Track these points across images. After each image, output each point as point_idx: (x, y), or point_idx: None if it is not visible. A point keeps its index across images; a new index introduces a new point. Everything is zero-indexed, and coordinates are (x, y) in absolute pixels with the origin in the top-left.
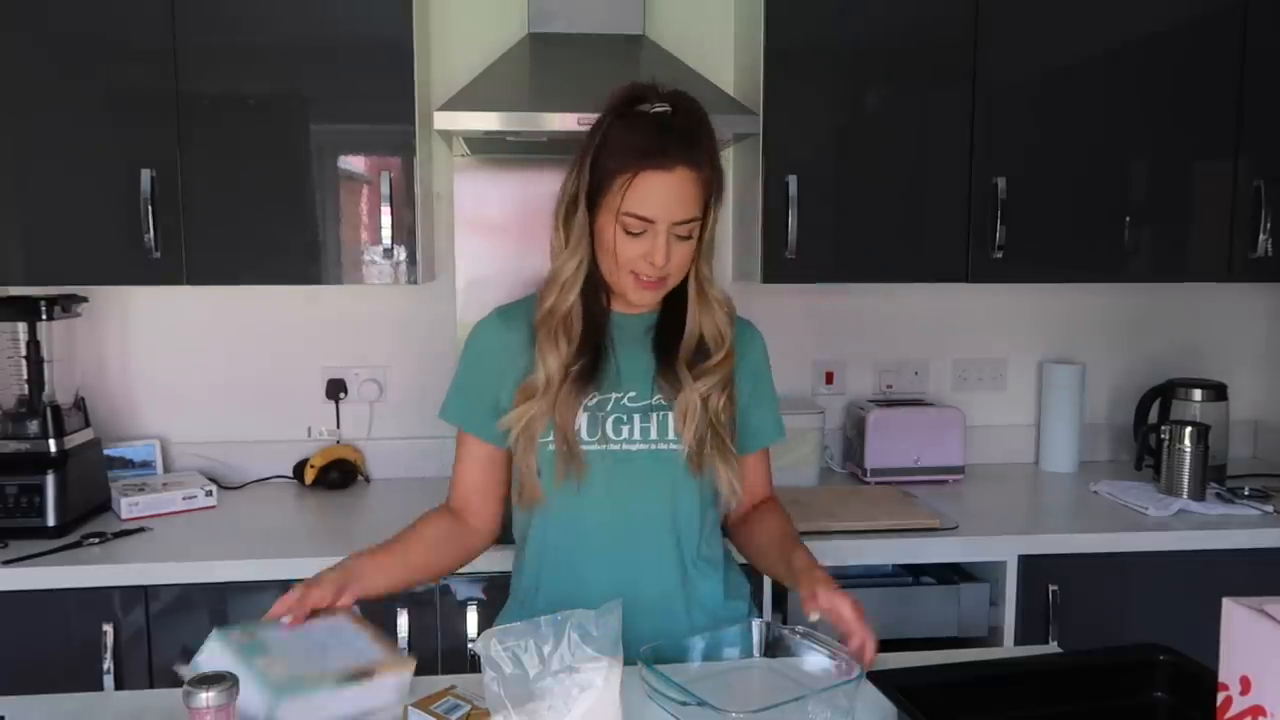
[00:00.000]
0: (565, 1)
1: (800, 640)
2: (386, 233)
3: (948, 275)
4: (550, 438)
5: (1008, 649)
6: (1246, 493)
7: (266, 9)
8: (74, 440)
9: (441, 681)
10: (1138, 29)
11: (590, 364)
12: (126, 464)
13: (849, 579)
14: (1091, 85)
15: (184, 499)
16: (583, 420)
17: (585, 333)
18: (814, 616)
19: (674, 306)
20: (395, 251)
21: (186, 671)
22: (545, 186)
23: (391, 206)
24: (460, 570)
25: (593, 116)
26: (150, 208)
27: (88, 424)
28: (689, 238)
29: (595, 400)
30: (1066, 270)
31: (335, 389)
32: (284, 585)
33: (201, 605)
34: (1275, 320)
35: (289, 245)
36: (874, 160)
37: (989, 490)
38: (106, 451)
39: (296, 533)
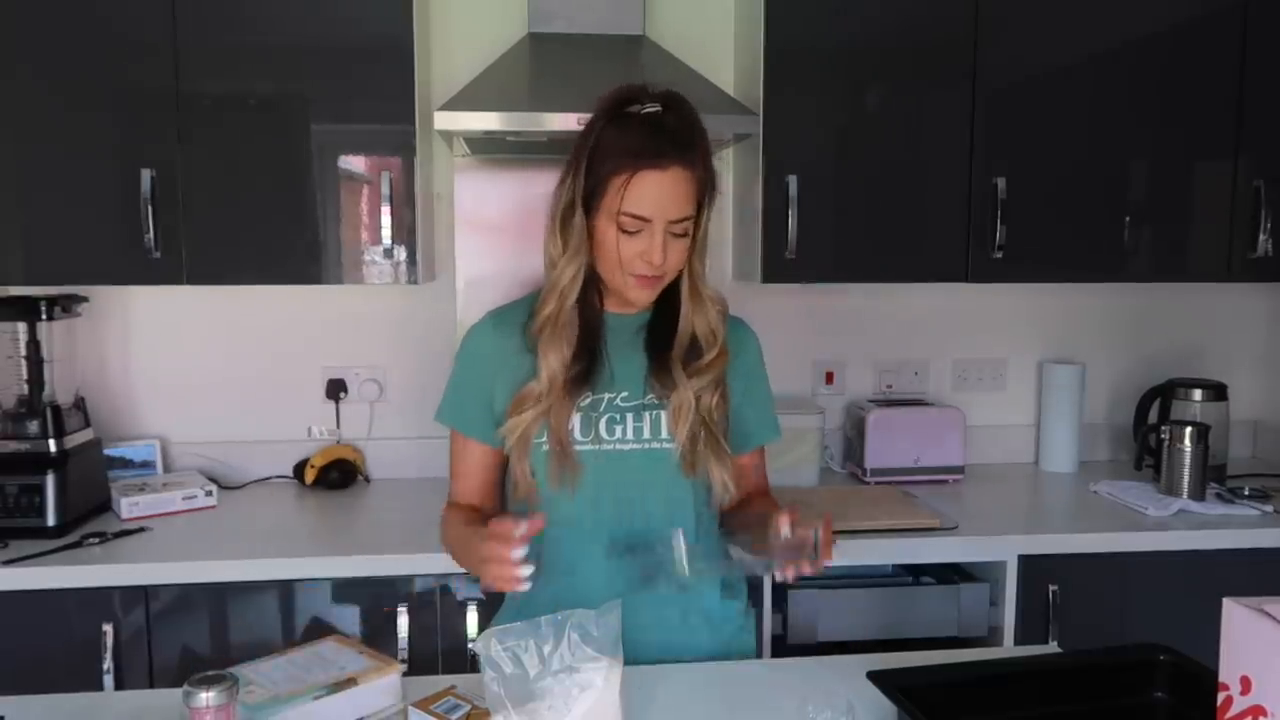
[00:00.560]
0: (565, 1)
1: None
2: (387, 233)
3: (948, 275)
4: (544, 439)
5: (1008, 649)
6: (1246, 493)
7: (267, 9)
8: (74, 440)
9: (441, 681)
10: (1137, 29)
11: (586, 366)
12: (126, 464)
13: (849, 579)
14: (1091, 85)
15: (184, 499)
16: (576, 420)
17: (581, 335)
18: (784, 530)
19: (666, 306)
20: (395, 251)
21: None
22: (545, 186)
23: (392, 206)
24: (459, 570)
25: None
26: (150, 208)
27: (88, 424)
28: (684, 235)
29: (589, 400)
30: (1066, 270)
31: (335, 389)
32: (284, 585)
33: (201, 605)
34: (1275, 320)
35: (289, 245)
36: (874, 160)
37: (989, 490)
38: (106, 451)
39: (296, 533)
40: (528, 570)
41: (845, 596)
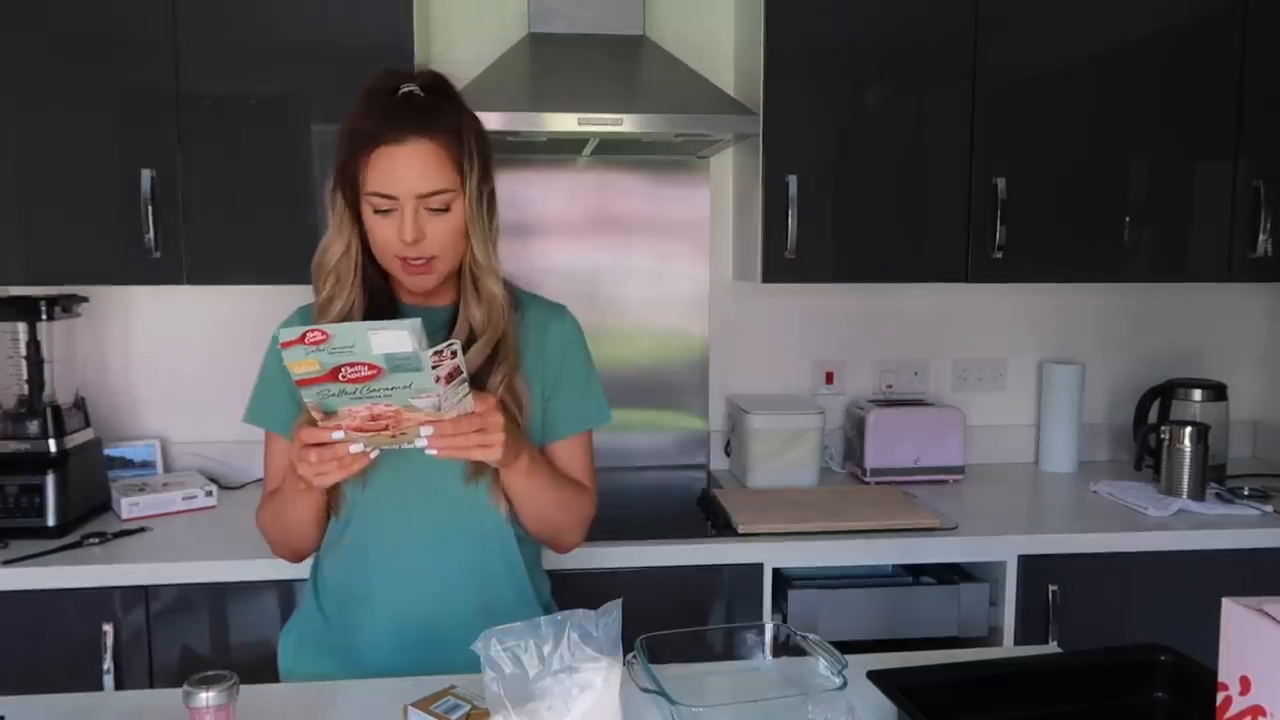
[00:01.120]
0: (565, 1)
1: (807, 643)
2: None
3: (948, 275)
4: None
5: (1008, 649)
6: (1246, 493)
7: (267, 9)
8: (74, 440)
9: (441, 681)
10: (1137, 29)
11: None
12: (126, 464)
13: (849, 579)
14: (1091, 85)
15: (184, 499)
16: None
17: None
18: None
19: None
20: None
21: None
22: (545, 186)
23: None
24: None
25: (596, 117)
26: (150, 208)
27: (88, 424)
28: (444, 210)
29: None
30: (1066, 270)
31: None
32: (284, 585)
33: (201, 605)
34: (1275, 320)
35: (289, 245)
36: (874, 160)
37: (989, 490)
38: (106, 451)
39: None
40: (356, 447)
41: (845, 596)
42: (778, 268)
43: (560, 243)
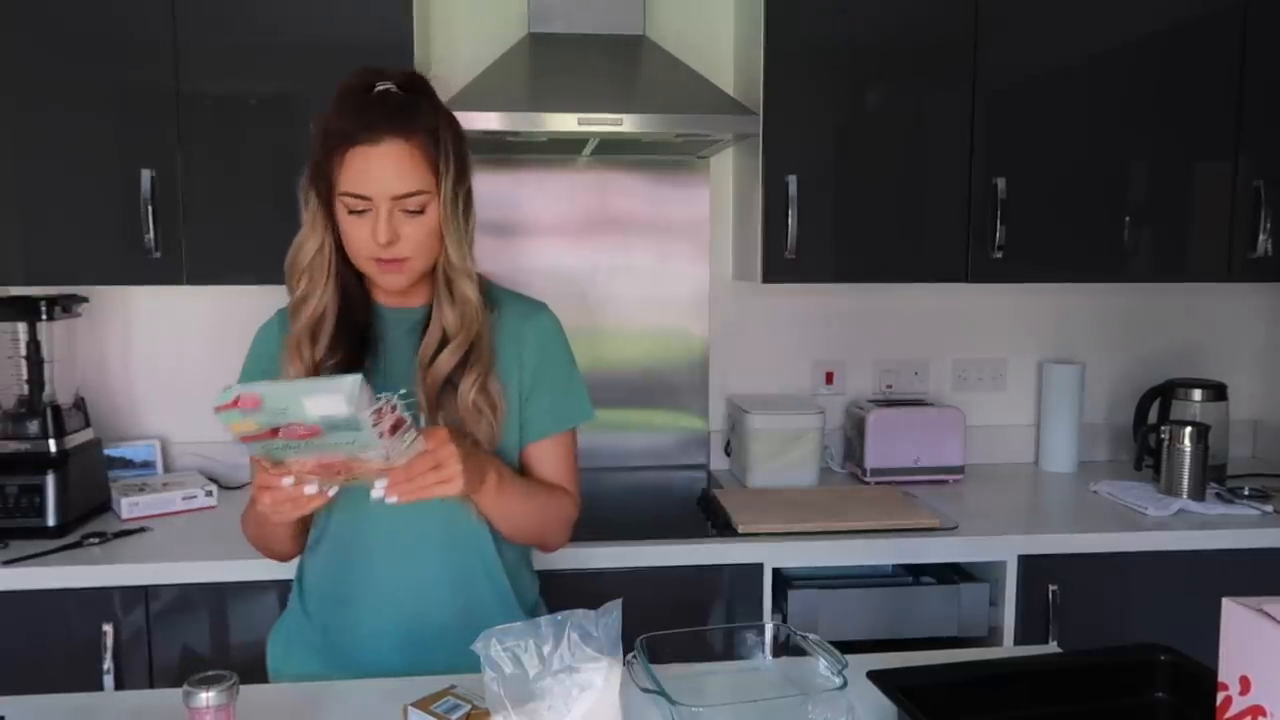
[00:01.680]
0: (565, 1)
1: (807, 643)
2: None
3: (948, 275)
4: None
5: (1008, 649)
6: (1246, 493)
7: (267, 9)
8: (74, 440)
9: (441, 681)
10: (1137, 29)
11: (345, 363)
12: (126, 464)
13: (849, 579)
14: (1091, 85)
15: (184, 499)
16: None
17: (342, 329)
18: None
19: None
20: None
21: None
22: (545, 186)
23: None
24: None
25: (596, 117)
26: (150, 208)
27: (88, 424)
28: (419, 212)
29: None
30: (1066, 270)
31: None
32: (284, 585)
33: (201, 605)
34: (1275, 320)
35: (289, 245)
36: (874, 160)
37: (989, 490)
38: (106, 451)
39: None
40: (310, 488)
41: (845, 596)
42: (778, 268)
43: (560, 243)
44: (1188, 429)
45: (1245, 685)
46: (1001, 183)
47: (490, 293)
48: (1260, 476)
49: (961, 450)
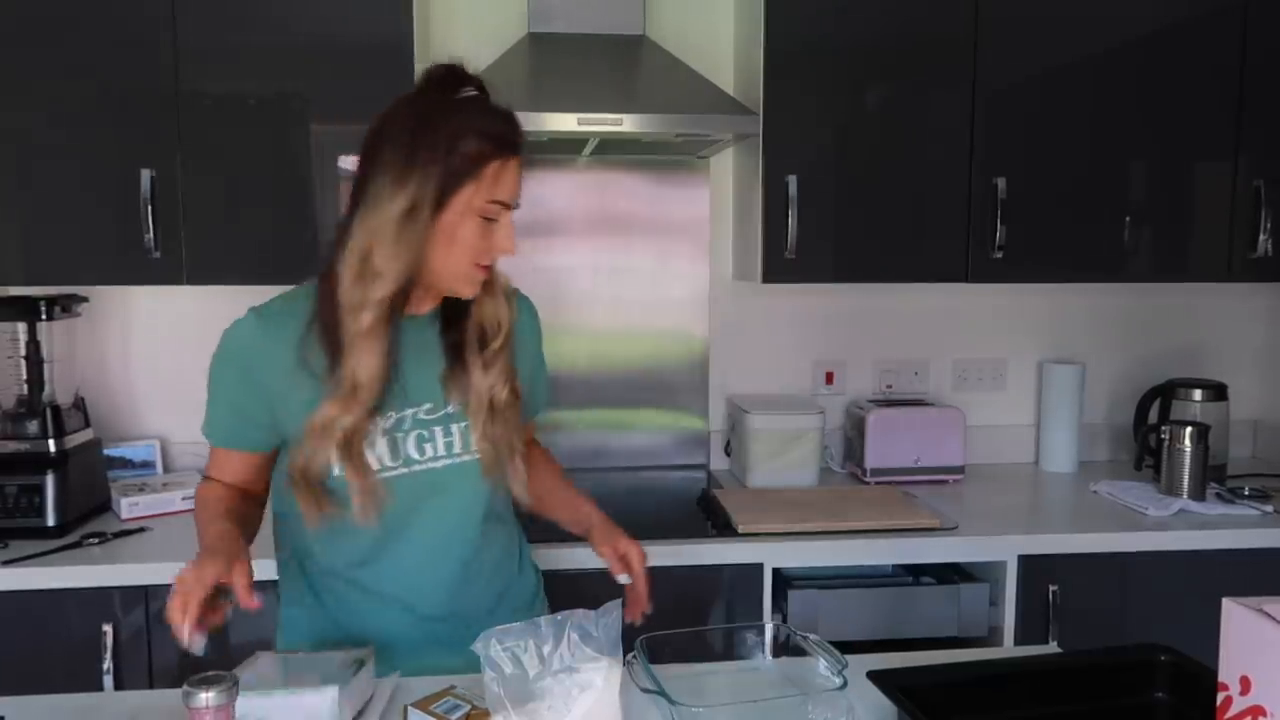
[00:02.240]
0: (565, 1)
1: (807, 643)
2: None
3: (948, 275)
4: (339, 470)
5: (1008, 649)
6: (1246, 493)
7: (266, 9)
8: (74, 440)
9: (441, 682)
10: (1137, 29)
11: (381, 378)
12: (126, 464)
13: (849, 579)
14: (1091, 85)
15: (184, 499)
16: (383, 445)
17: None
18: (623, 579)
19: (449, 299)
20: None
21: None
22: (545, 187)
23: None
24: None
25: (596, 117)
26: (150, 208)
27: (88, 424)
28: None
29: (392, 420)
30: (1066, 270)
31: None
32: None
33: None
34: (1275, 320)
35: (289, 245)
36: (874, 160)
37: (989, 490)
38: (106, 451)
39: None
40: (198, 645)
41: (845, 596)
42: (778, 268)
43: (560, 242)
44: (1188, 429)
45: (1245, 685)
46: (1001, 183)
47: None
48: (1260, 476)
49: (961, 450)
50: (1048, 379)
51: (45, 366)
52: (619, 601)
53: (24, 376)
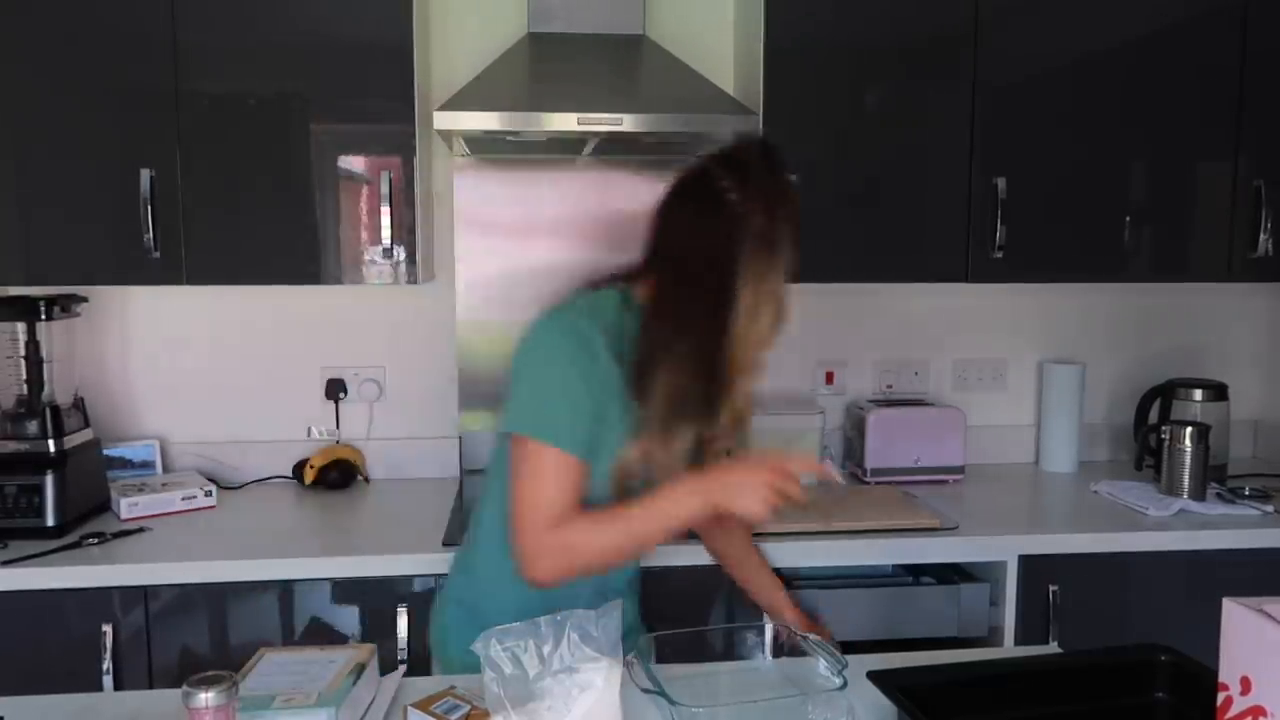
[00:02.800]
0: (565, 1)
1: (807, 643)
2: (386, 232)
3: (948, 275)
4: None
5: (1008, 649)
6: (1247, 493)
7: (266, 9)
8: (73, 440)
9: (441, 682)
10: (1138, 29)
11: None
12: (126, 464)
13: (849, 579)
14: (1091, 85)
15: (183, 499)
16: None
17: None
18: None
19: None
20: (395, 251)
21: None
22: (545, 187)
23: (391, 206)
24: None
25: (596, 116)
26: (150, 207)
27: (87, 424)
28: None
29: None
30: (1066, 270)
31: (335, 389)
32: (284, 585)
33: (201, 605)
34: (1275, 320)
35: (289, 245)
36: (874, 160)
37: (989, 490)
38: (106, 451)
39: (296, 533)
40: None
41: (845, 596)
42: None
43: (560, 242)
44: (1188, 429)
45: (1246, 685)
46: (1001, 183)
47: None
48: (1261, 476)
49: (962, 450)
50: (1048, 379)
51: (45, 366)
52: (619, 601)
53: (23, 376)
